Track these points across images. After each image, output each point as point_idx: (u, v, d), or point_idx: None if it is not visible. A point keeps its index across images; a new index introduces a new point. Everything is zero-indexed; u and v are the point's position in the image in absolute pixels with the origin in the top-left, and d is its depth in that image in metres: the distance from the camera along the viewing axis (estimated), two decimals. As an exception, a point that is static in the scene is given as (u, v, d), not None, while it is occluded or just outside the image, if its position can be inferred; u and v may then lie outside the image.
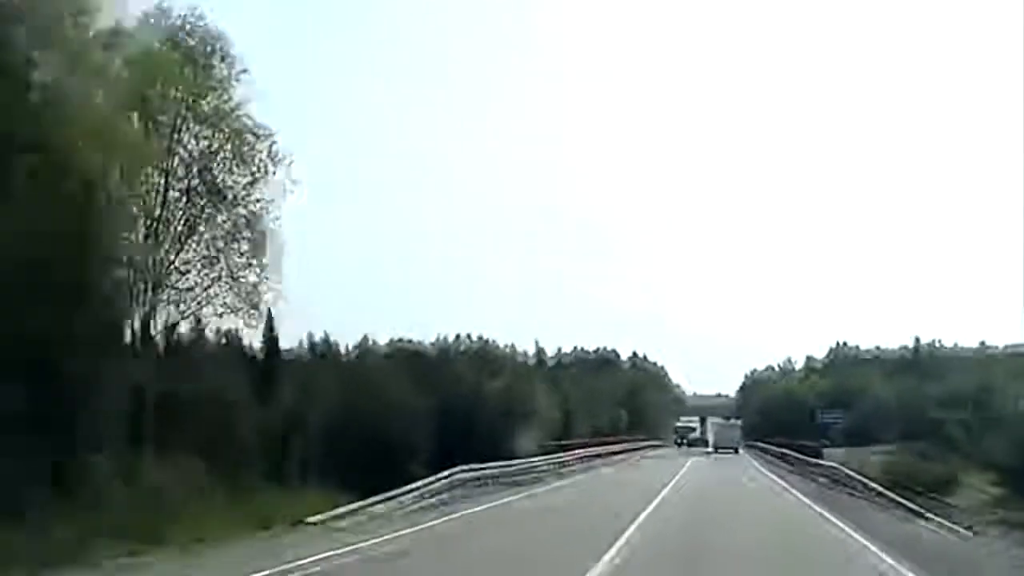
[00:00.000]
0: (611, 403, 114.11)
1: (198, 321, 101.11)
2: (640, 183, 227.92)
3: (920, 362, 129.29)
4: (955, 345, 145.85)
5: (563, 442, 62.87)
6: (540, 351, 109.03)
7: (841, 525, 28.28)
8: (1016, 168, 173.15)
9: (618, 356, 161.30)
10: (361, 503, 28.53)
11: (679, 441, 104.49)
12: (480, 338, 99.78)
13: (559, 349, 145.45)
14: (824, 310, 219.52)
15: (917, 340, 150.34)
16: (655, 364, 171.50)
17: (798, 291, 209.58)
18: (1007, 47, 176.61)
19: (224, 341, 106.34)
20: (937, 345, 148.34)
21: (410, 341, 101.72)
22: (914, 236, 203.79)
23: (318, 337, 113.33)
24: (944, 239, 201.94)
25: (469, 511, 29.28)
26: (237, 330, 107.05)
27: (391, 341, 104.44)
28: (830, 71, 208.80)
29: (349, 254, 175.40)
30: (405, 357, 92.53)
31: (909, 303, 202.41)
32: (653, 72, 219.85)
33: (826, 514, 30.49)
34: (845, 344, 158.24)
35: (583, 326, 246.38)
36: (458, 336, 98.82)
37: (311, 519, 25.28)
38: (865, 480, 33.79)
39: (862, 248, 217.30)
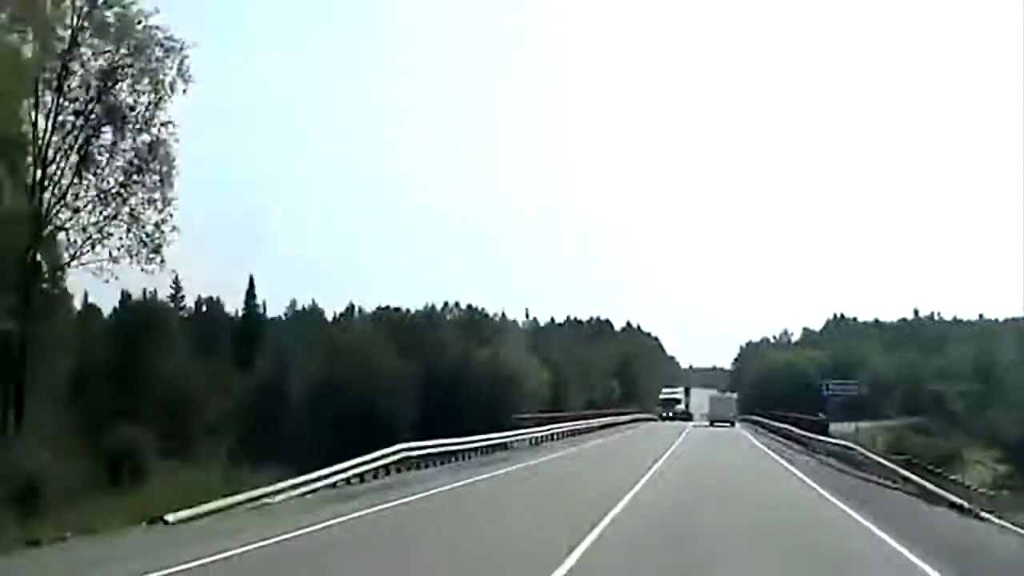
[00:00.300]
0: (603, 374, 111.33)
1: (177, 287, 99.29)
2: (638, 157, 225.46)
3: (920, 333, 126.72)
4: (955, 317, 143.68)
5: (543, 414, 58.46)
6: (532, 321, 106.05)
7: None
8: (1016, 141, 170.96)
9: (611, 326, 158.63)
10: (266, 489, 20.93)
11: (663, 415, 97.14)
12: (469, 306, 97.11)
13: (552, 319, 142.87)
14: (821, 281, 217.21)
15: (916, 311, 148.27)
16: (649, 335, 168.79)
17: (794, 263, 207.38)
18: (1002, 28, 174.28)
19: (204, 308, 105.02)
20: (936, 317, 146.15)
21: (396, 309, 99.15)
22: (912, 208, 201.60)
23: (302, 304, 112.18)
24: (943, 211, 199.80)
25: (397, 501, 20.94)
26: (218, 297, 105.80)
27: (377, 309, 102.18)
28: (825, 44, 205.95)
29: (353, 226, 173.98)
30: (391, 324, 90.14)
31: (908, 274, 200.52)
32: (648, 53, 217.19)
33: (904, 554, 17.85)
34: (843, 316, 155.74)
35: (578, 297, 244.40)
36: (446, 304, 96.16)
37: (173, 515, 16.85)
38: (901, 471, 28.34)
39: (859, 220, 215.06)
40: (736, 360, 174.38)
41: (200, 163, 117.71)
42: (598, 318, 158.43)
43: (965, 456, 66.98)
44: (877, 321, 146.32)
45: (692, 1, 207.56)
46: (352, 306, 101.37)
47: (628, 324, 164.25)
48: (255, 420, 71.87)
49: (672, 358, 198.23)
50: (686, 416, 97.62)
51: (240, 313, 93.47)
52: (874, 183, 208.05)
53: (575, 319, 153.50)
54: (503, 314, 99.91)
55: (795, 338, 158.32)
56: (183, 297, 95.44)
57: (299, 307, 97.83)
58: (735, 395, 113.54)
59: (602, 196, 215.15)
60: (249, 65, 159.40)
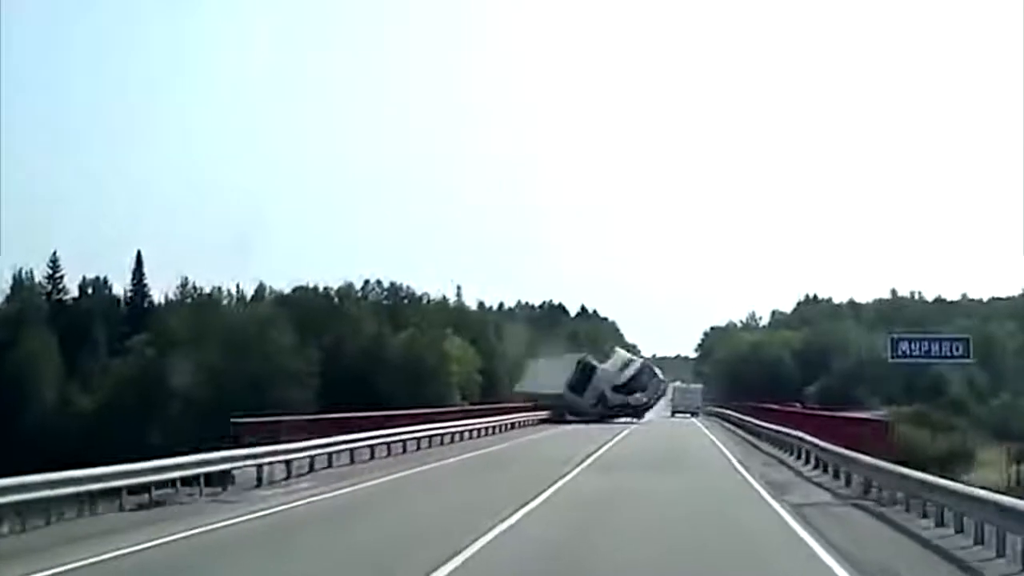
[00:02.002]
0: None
1: (54, 265, 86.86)
2: (595, 136, 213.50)
3: (901, 313, 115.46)
4: (937, 296, 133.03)
5: (327, 416, 36.53)
6: (460, 300, 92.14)
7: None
8: (990, 116, 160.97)
9: (565, 311, 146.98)
10: None
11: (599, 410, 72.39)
12: (392, 284, 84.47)
13: (501, 304, 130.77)
14: (790, 262, 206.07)
15: (894, 291, 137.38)
16: (606, 319, 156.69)
17: (762, 243, 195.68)
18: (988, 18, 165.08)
19: (91, 290, 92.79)
20: (917, 296, 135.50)
21: (314, 289, 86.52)
22: (886, 184, 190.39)
23: (197, 283, 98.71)
24: (918, 187, 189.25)
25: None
26: (104, 278, 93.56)
27: (294, 290, 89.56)
28: (795, 24, 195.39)
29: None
30: (296, 305, 77.88)
31: (883, 253, 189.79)
32: (612, 36, 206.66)
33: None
34: (816, 296, 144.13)
35: (532, 282, 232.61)
36: (366, 282, 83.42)
37: None
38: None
39: (829, 197, 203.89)
40: (700, 345, 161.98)
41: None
42: (551, 302, 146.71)
43: (978, 454, 56.28)
44: (853, 302, 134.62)
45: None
46: (262, 286, 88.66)
47: (583, 309, 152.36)
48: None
49: (634, 346, 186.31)
50: (629, 410, 72.88)
51: (126, 295, 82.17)
52: (844, 159, 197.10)
53: (526, 303, 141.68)
54: (427, 295, 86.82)
55: (764, 322, 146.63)
56: (62, 278, 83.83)
57: (191, 286, 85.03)
58: (700, 386, 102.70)
59: (559, 177, 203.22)
60: None
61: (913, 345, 36.79)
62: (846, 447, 26.97)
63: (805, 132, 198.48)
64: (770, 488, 25.60)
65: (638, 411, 75.20)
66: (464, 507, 20.77)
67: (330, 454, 29.59)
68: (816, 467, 30.96)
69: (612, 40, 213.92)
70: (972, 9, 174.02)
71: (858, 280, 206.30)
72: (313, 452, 28.04)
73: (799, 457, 34.64)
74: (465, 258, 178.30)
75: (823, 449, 29.97)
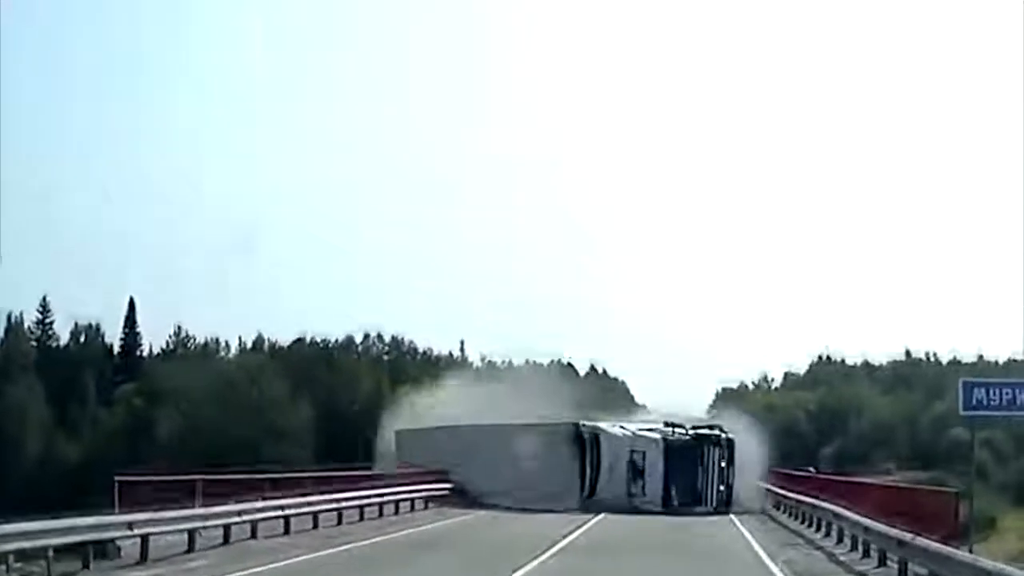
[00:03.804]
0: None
1: (44, 309, 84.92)
2: (607, 181, 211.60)
3: (916, 375, 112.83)
4: (954, 358, 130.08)
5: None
6: (463, 353, 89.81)
7: None
8: (1013, 170, 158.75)
9: (574, 369, 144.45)
10: None
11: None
12: (394, 338, 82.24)
13: (509, 361, 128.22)
14: (802, 321, 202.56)
15: (908, 352, 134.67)
16: (616, 379, 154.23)
17: (773, 301, 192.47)
18: (1005, 52, 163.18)
19: (82, 337, 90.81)
20: (932, 358, 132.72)
21: (311, 341, 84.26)
22: (900, 242, 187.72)
23: (191, 332, 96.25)
24: (934, 244, 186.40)
25: None
26: (97, 324, 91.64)
27: (295, 341, 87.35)
28: (816, 67, 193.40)
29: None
30: (294, 358, 75.79)
31: (896, 313, 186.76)
32: (630, 69, 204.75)
33: None
34: (829, 357, 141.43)
35: (539, 338, 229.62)
36: (367, 335, 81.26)
37: None
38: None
39: (843, 254, 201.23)
40: (712, 407, 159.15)
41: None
42: (559, 360, 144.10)
43: (999, 523, 53.90)
44: (867, 362, 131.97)
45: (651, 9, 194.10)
46: (261, 337, 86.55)
47: (592, 368, 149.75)
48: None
49: (643, 406, 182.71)
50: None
51: (118, 343, 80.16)
52: (859, 216, 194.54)
53: (533, 362, 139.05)
54: (430, 349, 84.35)
55: (776, 383, 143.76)
56: (51, 323, 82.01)
57: (183, 336, 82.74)
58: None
59: (572, 230, 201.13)
60: None
61: (992, 393, 26.94)
62: (893, 524, 22.32)
63: (817, 188, 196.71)
64: None
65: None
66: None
67: (254, 522, 26.13)
68: (853, 549, 26.36)
69: (618, 97, 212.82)
70: (1003, 63, 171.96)
71: (871, 340, 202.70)
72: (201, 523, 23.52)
73: (828, 534, 30.37)
74: (471, 311, 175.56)
75: (869, 530, 24.64)
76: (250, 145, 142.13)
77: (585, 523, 34.91)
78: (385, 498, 35.99)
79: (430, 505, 40.20)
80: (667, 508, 43.47)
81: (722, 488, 45.58)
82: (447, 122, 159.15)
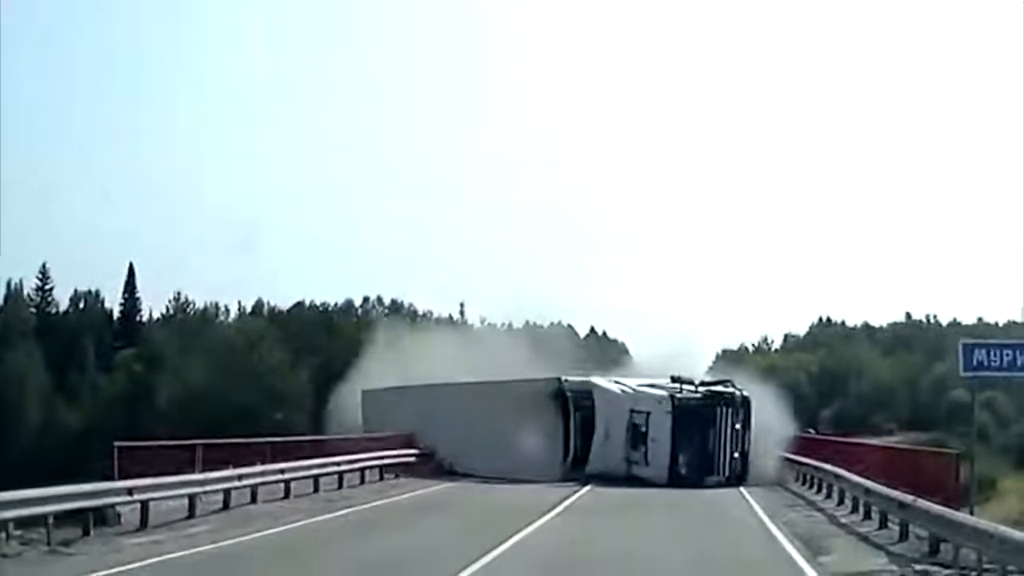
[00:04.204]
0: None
1: (43, 277, 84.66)
2: (611, 152, 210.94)
3: (917, 337, 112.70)
4: (954, 319, 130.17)
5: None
6: (463, 317, 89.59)
7: None
8: (1013, 138, 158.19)
9: (574, 332, 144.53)
10: None
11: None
12: (394, 302, 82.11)
13: (509, 323, 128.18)
14: (803, 284, 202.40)
15: (908, 315, 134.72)
16: (616, 341, 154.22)
17: (774, 264, 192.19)
18: (999, 39, 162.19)
19: (82, 304, 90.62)
20: (932, 320, 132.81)
21: (311, 305, 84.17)
22: (900, 205, 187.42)
23: (189, 297, 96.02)
24: (934, 208, 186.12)
25: None
26: (96, 291, 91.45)
27: (294, 305, 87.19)
28: (809, 39, 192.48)
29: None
30: (293, 322, 75.72)
31: (897, 276, 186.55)
32: (630, 69, 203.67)
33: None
34: (829, 319, 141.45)
35: (539, 301, 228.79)
36: (366, 299, 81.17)
37: None
38: None
39: (844, 218, 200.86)
40: (711, 369, 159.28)
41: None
42: (559, 323, 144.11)
43: (999, 485, 53.77)
44: (867, 325, 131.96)
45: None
46: (260, 302, 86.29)
47: (592, 330, 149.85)
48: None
49: (632, 358, 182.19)
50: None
51: (118, 309, 79.98)
52: (858, 178, 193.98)
53: (534, 323, 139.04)
54: (431, 312, 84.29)
55: (776, 345, 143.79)
56: (51, 290, 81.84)
57: (183, 300, 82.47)
58: None
59: (570, 193, 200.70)
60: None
61: (992, 355, 26.58)
62: (895, 486, 22.12)
63: (818, 153, 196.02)
64: (800, 544, 21.10)
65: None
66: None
67: (254, 486, 26.10)
68: (854, 511, 26.10)
69: (625, 55, 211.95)
70: (1004, 42, 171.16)
71: (872, 302, 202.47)
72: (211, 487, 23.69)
73: (829, 496, 30.02)
74: (470, 274, 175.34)
75: (871, 492, 24.34)
76: (250, 145, 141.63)
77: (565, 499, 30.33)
78: (327, 469, 30.72)
79: (386, 476, 35.46)
80: (673, 480, 37.23)
81: (736, 456, 38.66)
82: (447, 122, 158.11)
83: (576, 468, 38.25)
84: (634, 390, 40.03)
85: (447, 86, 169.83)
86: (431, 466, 38.46)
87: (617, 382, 41.06)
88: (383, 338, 54.89)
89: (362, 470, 33.53)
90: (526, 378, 41.36)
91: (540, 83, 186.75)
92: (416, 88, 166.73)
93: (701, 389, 40.02)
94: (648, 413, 38.75)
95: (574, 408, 39.53)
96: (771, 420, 40.29)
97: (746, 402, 39.36)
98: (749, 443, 38.93)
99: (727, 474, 38.31)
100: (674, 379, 40.20)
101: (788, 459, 38.80)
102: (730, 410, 39.04)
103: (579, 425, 39.42)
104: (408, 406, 41.29)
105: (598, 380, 40.90)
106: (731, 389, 40.04)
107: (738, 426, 38.86)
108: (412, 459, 37.86)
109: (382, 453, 35.90)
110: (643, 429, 38.60)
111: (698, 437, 38.56)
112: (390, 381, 45.51)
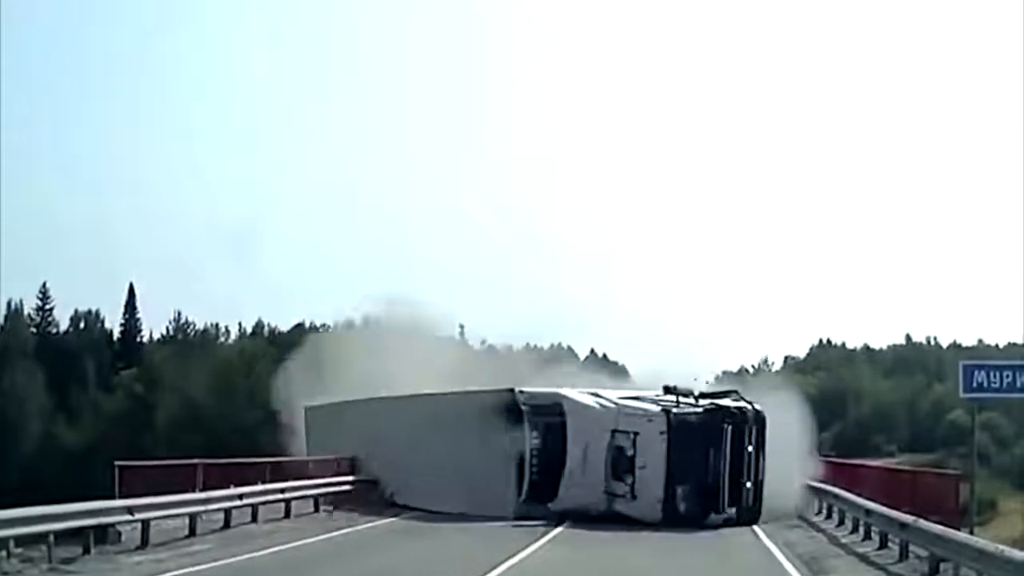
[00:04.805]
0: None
1: (43, 297, 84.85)
2: (609, 170, 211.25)
3: (917, 359, 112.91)
4: (954, 342, 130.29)
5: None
6: (463, 337, 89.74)
7: None
8: (1014, 157, 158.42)
9: (574, 353, 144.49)
10: None
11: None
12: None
13: (510, 347, 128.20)
14: (803, 306, 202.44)
15: (908, 337, 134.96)
16: (616, 363, 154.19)
17: (774, 286, 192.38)
18: (1004, 48, 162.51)
19: (82, 324, 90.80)
20: (933, 342, 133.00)
21: (311, 326, 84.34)
22: (901, 228, 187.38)
23: (189, 318, 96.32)
24: (935, 230, 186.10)
25: None
26: (96, 311, 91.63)
27: (294, 327, 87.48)
28: (817, 57, 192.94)
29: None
30: (293, 343, 75.65)
31: (898, 298, 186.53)
32: (629, 70, 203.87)
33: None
34: (829, 341, 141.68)
35: (540, 322, 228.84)
36: (367, 318, 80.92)
37: None
38: None
39: (844, 240, 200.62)
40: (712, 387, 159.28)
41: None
42: (559, 344, 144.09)
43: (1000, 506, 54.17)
44: (867, 347, 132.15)
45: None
46: (260, 323, 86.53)
47: (592, 352, 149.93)
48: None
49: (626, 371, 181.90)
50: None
51: (118, 329, 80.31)
52: (860, 201, 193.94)
53: (533, 346, 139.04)
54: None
55: (776, 367, 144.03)
56: (51, 310, 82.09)
57: (183, 322, 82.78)
58: None
59: (570, 214, 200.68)
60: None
61: (992, 375, 26.01)
62: (896, 507, 22.03)
63: (820, 176, 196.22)
64: (801, 564, 20.96)
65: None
66: None
67: (254, 505, 26.00)
68: (854, 531, 25.83)
69: (617, 99, 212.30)
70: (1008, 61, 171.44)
71: (872, 325, 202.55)
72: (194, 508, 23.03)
73: (829, 517, 29.41)
74: (470, 291, 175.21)
75: (871, 513, 23.91)
76: (250, 145, 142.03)
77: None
78: (243, 500, 25.69)
79: (322, 508, 29.99)
80: (668, 518, 29.60)
81: (748, 486, 30.78)
82: (447, 122, 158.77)
83: (537, 503, 30.72)
84: (617, 404, 31.50)
85: (447, 86, 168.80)
86: (374, 496, 32.62)
87: (595, 394, 32.45)
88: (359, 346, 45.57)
89: (287, 501, 28.25)
90: (470, 390, 33.59)
91: (540, 84, 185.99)
92: (416, 88, 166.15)
93: (702, 403, 31.60)
94: (636, 433, 30.69)
95: (532, 428, 31.50)
96: (791, 435, 32.22)
97: (759, 418, 31.06)
98: (763, 470, 31.07)
99: (736, 510, 30.61)
100: (668, 390, 31.70)
101: (813, 487, 32.29)
102: (739, 428, 30.82)
103: (541, 449, 31.50)
104: (351, 424, 34.77)
105: (569, 392, 32.26)
106: (740, 403, 31.73)
107: (750, 448, 30.79)
108: (349, 487, 31.96)
109: (316, 481, 30.59)
110: (629, 453, 30.74)
111: (699, 463, 30.57)
112: (354, 395, 36.58)
